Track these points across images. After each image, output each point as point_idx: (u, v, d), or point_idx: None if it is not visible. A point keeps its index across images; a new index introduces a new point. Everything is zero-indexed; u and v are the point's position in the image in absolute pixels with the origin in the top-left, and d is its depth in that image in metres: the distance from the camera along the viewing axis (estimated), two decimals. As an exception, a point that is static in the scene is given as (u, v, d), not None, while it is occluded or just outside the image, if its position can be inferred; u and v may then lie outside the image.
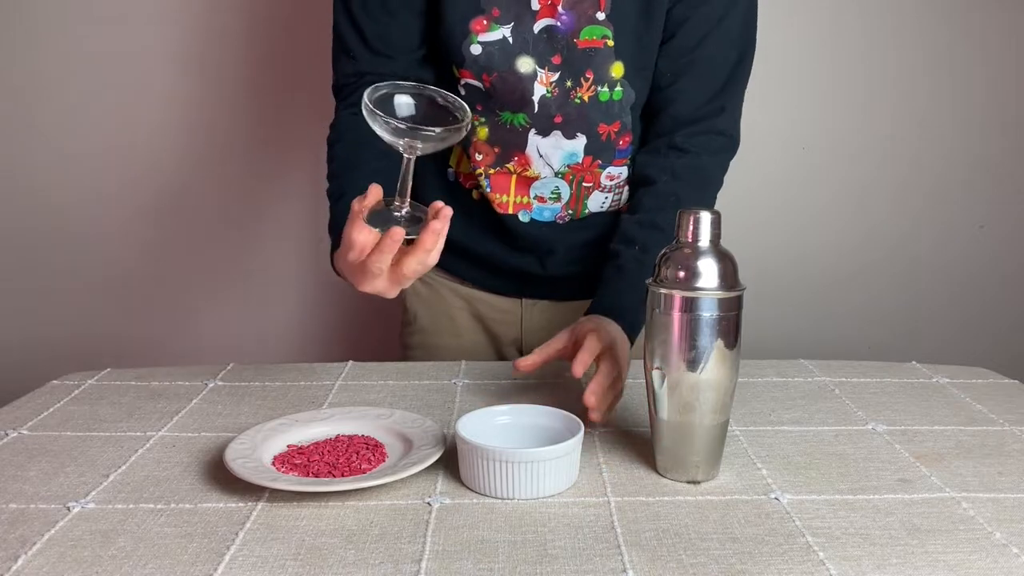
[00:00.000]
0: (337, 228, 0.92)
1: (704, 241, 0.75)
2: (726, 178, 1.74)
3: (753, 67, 1.75)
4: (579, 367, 0.87)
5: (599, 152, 1.09)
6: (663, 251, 0.77)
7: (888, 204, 1.77)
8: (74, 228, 1.75)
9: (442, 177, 1.16)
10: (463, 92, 1.07)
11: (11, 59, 1.67)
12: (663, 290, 0.75)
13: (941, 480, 0.78)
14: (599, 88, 1.04)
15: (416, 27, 1.06)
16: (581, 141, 1.07)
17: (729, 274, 0.75)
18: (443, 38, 1.04)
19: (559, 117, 1.05)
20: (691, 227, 0.75)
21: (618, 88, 1.05)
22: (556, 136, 1.06)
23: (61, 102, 1.69)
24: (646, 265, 0.90)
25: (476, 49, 1.03)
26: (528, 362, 0.92)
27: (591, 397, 0.85)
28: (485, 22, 1.02)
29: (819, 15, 1.69)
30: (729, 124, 1.10)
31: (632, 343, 0.97)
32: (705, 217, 0.75)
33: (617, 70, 1.04)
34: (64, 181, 1.73)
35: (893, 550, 0.65)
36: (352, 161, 1.02)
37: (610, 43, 1.03)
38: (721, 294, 0.74)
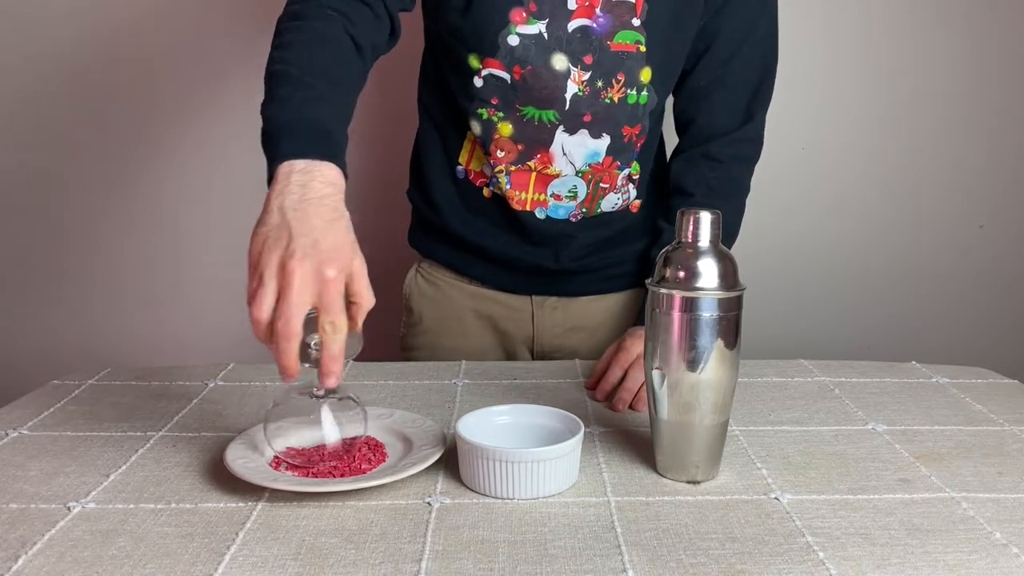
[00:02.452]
0: (304, 128, 0.78)
1: (704, 241, 0.75)
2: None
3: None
4: (618, 404, 0.95)
5: (619, 153, 1.10)
6: (663, 251, 0.77)
7: (888, 204, 1.77)
8: (74, 228, 1.75)
9: (450, 176, 1.15)
10: (480, 84, 1.05)
11: (16, 62, 1.67)
12: (663, 290, 0.75)
13: (941, 480, 0.78)
14: (628, 91, 1.06)
15: None
16: (605, 141, 1.08)
17: (729, 274, 0.75)
18: (474, 26, 1.03)
19: (588, 116, 1.06)
20: (691, 227, 0.75)
21: (644, 92, 1.07)
22: (583, 134, 1.07)
23: (66, 104, 1.69)
24: None
25: (514, 40, 1.02)
26: (591, 381, 1.01)
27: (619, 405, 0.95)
28: (524, 14, 1.02)
29: (819, 15, 1.69)
30: (758, 130, 1.15)
31: None
32: (705, 217, 0.75)
33: (646, 75, 1.06)
34: (64, 180, 1.73)
35: (893, 550, 0.65)
36: (331, 69, 0.86)
37: (643, 48, 1.04)
38: (721, 294, 0.74)
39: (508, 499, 0.73)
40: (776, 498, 0.74)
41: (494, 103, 1.06)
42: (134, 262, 1.77)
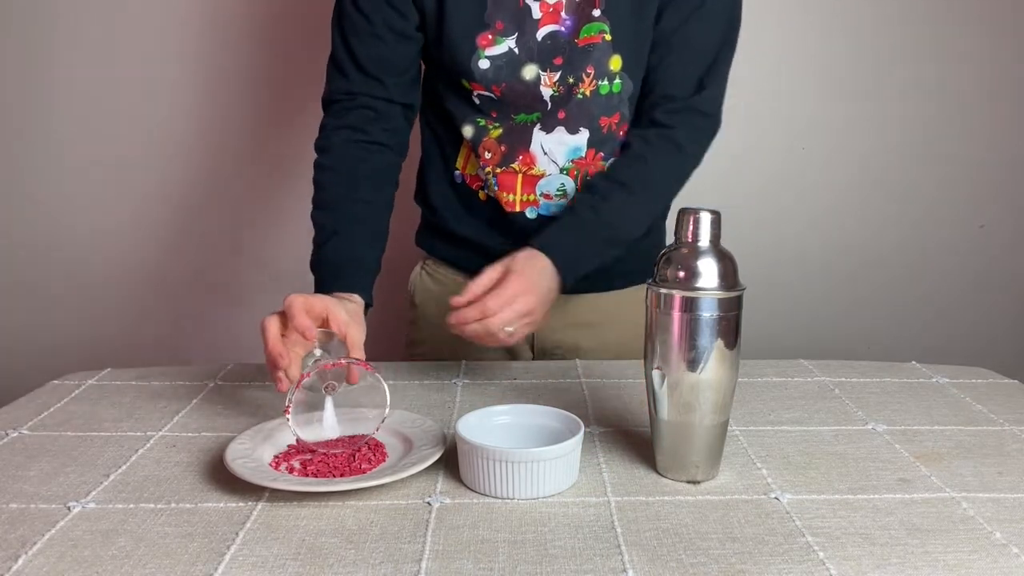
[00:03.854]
0: (325, 271, 1.00)
1: (704, 241, 0.75)
2: (728, 177, 1.74)
3: (754, 67, 1.75)
4: (458, 300, 0.94)
5: (601, 144, 1.10)
6: (663, 251, 0.77)
7: (888, 204, 1.77)
8: (74, 229, 1.75)
9: (448, 179, 1.17)
10: (477, 102, 1.09)
11: (15, 65, 1.67)
12: (663, 290, 0.75)
13: (941, 480, 0.78)
14: (599, 82, 1.06)
15: (406, 52, 1.09)
16: (584, 135, 1.08)
17: (729, 274, 0.75)
18: (448, 56, 1.06)
19: (562, 113, 1.07)
20: (691, 227, 0.75)
21: (617, 80, 1.07)
22: (560, 132, 1.08)
23: (62, 106, 1.69)
24: (601, 212, 1.01)
25: (484, 64, 1.05)
26: (461, 301, 0.95)
27: (458, 300, 0.94)
28: (491, 36, 1.04)
29: (820, 14, 1.69)
30: (709, 104, 1.09)
31: (566, 281, 1.00)
32: (705, 217, 0.75)
33: (616, 63, 1.06)
34: (65, 182, 1.73)
35: (893, 550, 0.65)
36: (345, 199, 1.05)
37: (608, 37, 1.05)
38: (721, 294, 0.74)
39: (508, 499, 0.73)
40: (776, 498, 0.74)
41: (493, 116, 1.09)
42: (135, 262, 1.77)
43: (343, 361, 0.83)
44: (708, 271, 0.74)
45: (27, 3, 1.65)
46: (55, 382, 1.03)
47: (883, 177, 1.76)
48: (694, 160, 1.11)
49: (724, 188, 1.70)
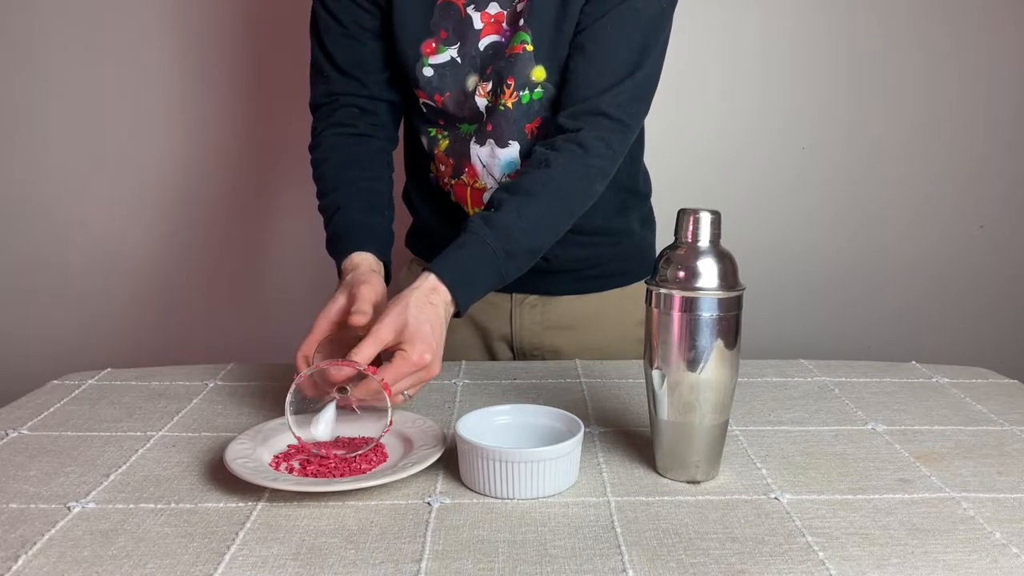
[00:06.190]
0: (335, 243, 1.02)
1: (704, 241, 0.75)
2: (728, 177, 1.75)
3: (754, 68, 1.76)
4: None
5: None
6: (663, 251, 0.77)
7: (888, 204, 1.77)
8: (74, 229, 1.75)
9: (426, 183, 1.18)
10: (424, 111, 1.09)
11: (16, 67, 1.67)
12: (663, 290, 0.75)
13: (941, 480, 0.78)
14: (520, 92, 1.04)
15: (381, 49, 1.09)
16: (515, 148, 1.06)
17: (729, 274, 0.75)
18: (399, 61, 1.07)
19: (490, 125, 1.06)
20: (691, 227, 0.75)
21: (539, 90, 1.04)
22: (490, 145, 1.07)
23: (61, 107, 1.69)
24: (493, 224, 0.95)
25: (428, 71, 1.05)
26: (341, 376, 0.84)
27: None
28: (434, 44, 1.04)
29: (819, 15, 1.69)
30: (615, 108, 1.02)
31: (460, 302, 0.92)
32: (705, 217, 0.75)
33: (538, 74, 1.03)
34: (66, 183, 1.73)
35: (893, 550, 0.65)
36: (342, 179, 1.07)
37: (529, 47, 1.02)
38: (721, 294, 0.74)
39: (508, 499, 0.73)
40: (776, 498, 0.74)
41: (441, 124, 1.10)
42: (134, 263, 1.77)
43: (347, 364, 0.82)
44: (708, 271, 0.74)
45: (24, 3, 1.65)
46: (55, 382, 1.03)
47: (883, 177, 1.76)
48: (603, 161, 1.02)
49: (724, 188, 1.70)
